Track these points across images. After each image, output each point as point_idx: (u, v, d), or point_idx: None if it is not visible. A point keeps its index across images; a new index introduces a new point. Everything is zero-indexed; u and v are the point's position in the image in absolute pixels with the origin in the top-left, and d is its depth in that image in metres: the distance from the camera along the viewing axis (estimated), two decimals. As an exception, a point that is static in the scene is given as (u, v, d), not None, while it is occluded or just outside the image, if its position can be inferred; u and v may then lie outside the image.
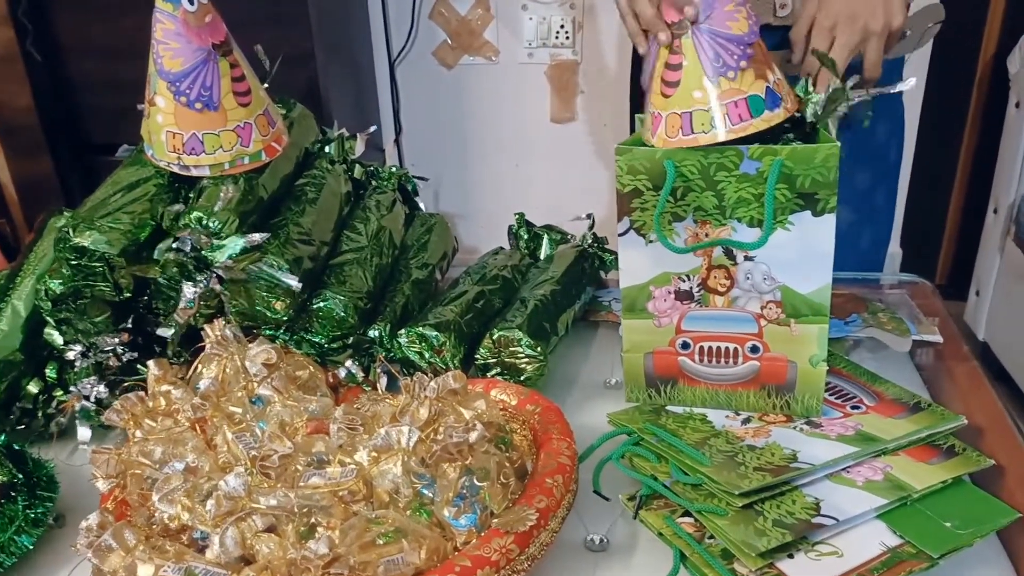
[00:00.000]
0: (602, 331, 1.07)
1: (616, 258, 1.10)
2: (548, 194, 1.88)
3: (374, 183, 1.11)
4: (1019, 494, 0.74)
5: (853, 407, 0.85)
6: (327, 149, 1.06)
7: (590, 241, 1.12)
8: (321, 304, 0.89)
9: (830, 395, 0.87)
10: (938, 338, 0.96)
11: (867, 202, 1.22)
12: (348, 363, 0.87)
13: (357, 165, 1.07)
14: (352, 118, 1.72)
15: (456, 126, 1.86)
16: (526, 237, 1.14)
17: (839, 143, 0.75)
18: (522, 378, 0.90)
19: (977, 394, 0.88)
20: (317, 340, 0.90)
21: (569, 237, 1.14)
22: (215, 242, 0.78)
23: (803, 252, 0.78)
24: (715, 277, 0.82)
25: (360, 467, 0.71)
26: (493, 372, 0.91)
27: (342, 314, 0.89)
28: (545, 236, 1.14)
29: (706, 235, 0.80)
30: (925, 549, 0.67)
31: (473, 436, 0.69)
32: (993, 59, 1.65)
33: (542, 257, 1.13)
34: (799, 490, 0.73)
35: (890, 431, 0.79)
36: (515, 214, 1.16)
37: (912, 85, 0.83)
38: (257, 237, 0.80)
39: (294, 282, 0.81)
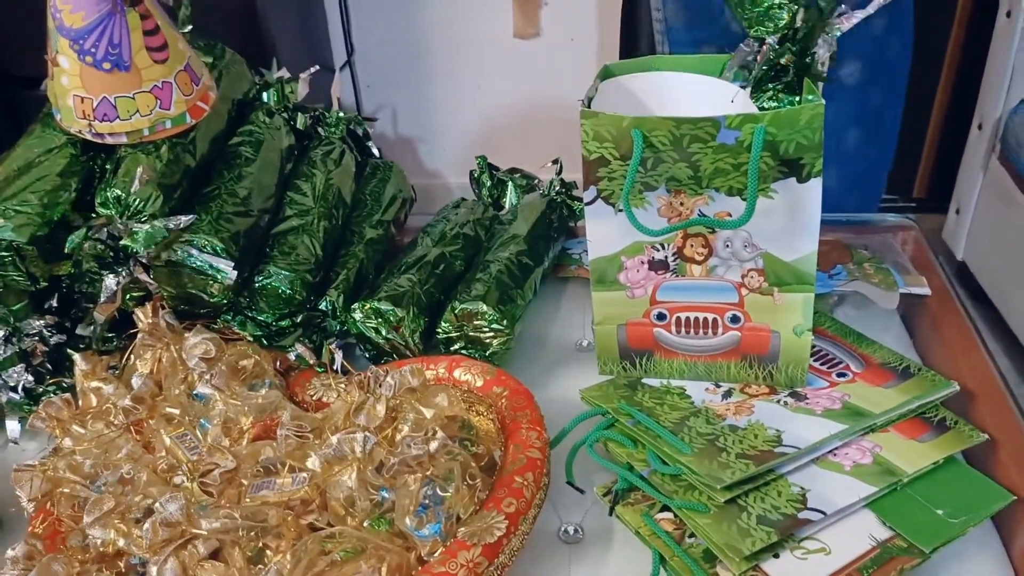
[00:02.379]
0: (572, 286, 1.01)
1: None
2: (512, 117, 1.78)
3: (320, 130, 1.01)
4: (1013, 470, 0.71)
5: (839, 374, 0.80)
6: (265, 97, 0.96)
7: (558, 188, 1.04)
8: (264, 281, 0.82)
9: (815, 360, 0.82)
10: (926, 290, 0.91)
11: (877, 121, 1.15)
12: (297, 346, 0.80)
13: (299, 113, 0.97)
14: (297, 40, 1.59)
15: (412, 45, 1.74)
16: (489, 184, 1.06)
17: (823, 100, 0.67)
18: (488, 353, 0.83)
19: (967, 356, 0.84)
20: (263, 319, 0.83)
21: (535, 183, 1.06)
22: (134, 228, 0.70)
23: (788, 220, 0.71)
24: (691, 246, 0.75)
25: (312, 474, 0.66)
26: (457, 346, 0.84)
27: (288, 291, 0.82)
28: (510, 182, 1.06)
29: (680, 204, 0.72)
30: (917, 543, 0.63)
31: (434, 446, 0.63)
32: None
33: (507, 207, 1.05)
34: (784, 478, 0.69)
35: (879, 402, 0.75)
36: (477, 158, 1.07)
37: None
38: (183, 220, 0.71)
39: (229, 269, 0.73)
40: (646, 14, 1.12)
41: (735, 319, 0.78)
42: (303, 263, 0.84)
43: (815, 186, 0.69)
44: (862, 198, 1.25)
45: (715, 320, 0.78)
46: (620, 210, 0.74)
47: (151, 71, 0.75)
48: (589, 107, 0.73)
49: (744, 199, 0.70)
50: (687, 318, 0.79)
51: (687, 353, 0.80)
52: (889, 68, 1.14)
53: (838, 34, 0.73)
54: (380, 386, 0.69)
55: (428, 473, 0.62)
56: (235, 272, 0.75)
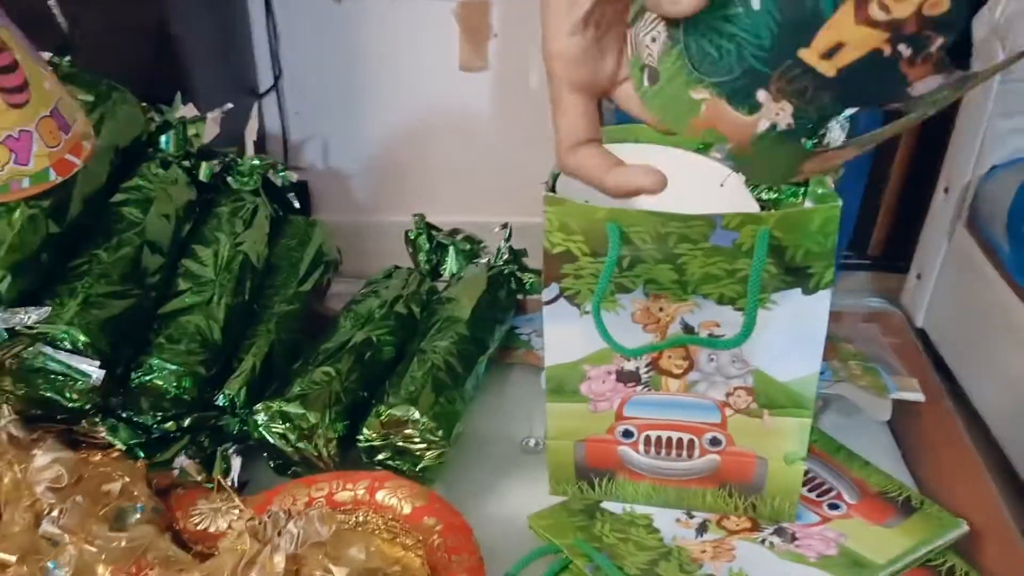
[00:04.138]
0: (518, 373, 0.87)
1: (538, 279, 0.90)
2: (455, 154, 1.64)
3: (230, 180, 0.86)
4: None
5: (831, 505, 0.69)
6: (163, 142, 0.80)
7: (506, 256, 0.90)
8: (144, 378, 0.66)
9: (803, 486, 0.70)
10: (919, 396, 0.81)
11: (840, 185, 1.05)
12: (181, 459, 0.65)
13: (204, 161, 0.82)
14: (217, 62, 1.43)
15: (347, 70, 1.58)
16: (427, 248, 0.92)
17: (839, 198, 0.55)
18: (419, 467, 0.69)
19: (967, 482, 0.73)
20: (142, 421, 0.67)
21: (481, 248, 0.93)
22: (-35, 325, 0.54)
23: (787, 335, 0.59)
24: (669, 357, 0.62)
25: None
26: (382, 456, 0.70)
27: (174, 389, 0.67)
28: (451, 247, 0.92)
29: (660, 310, 0.60)
30: None
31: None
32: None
33: (447, 274, 0.92)
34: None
35: (882, 548, 0.64)
36: (413, 216, 0.94)
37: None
38: (32, 314, 0.56)
39: (94, 370, 0.58)
40: None
41: (715, 441, 0.65)
42: (195, 353, 0.69)
43: (823, 298, 0.57)
44: None
45: (691, 441, 0.66)
46: (587, 312, 0.61)
47: (4, 117, 0.60)
48: (554, 189, 0.60)
49: (737, 308, 0.58)
50: (658, 437, 0.66)
51: (656, 476, 0.68)
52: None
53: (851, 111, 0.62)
54: (279, 534, 0.55)
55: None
56: (102, 372, 0.60)
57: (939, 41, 0.32)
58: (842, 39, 0.32)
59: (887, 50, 0.32)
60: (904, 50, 0.32)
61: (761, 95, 0.35)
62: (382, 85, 1.60)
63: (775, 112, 0.36)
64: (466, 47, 1.56)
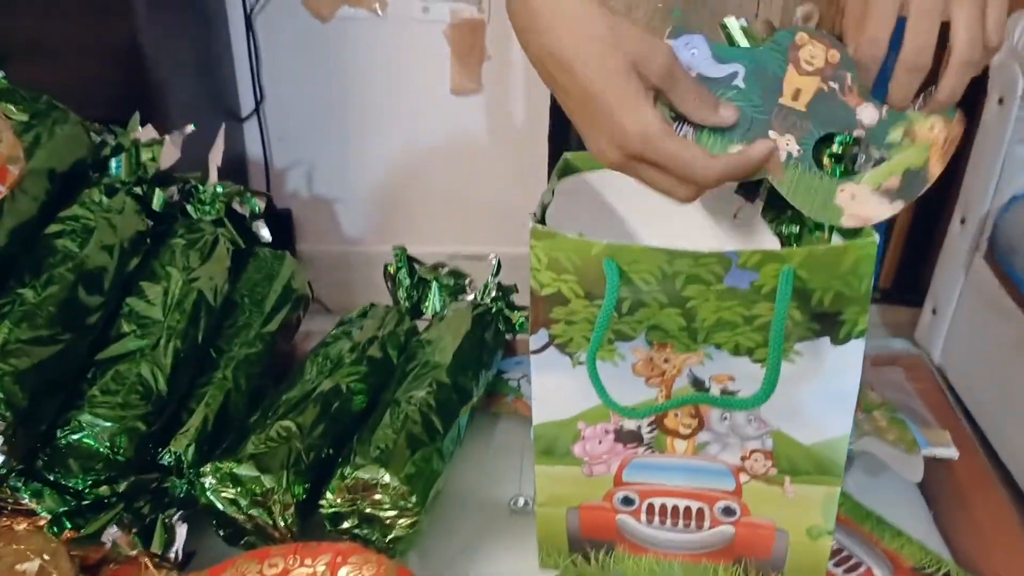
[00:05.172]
0: (506, 423, 0.79)
1: (528, 319, 0.82)
2: (446, 181, 1.57)
3: (190, 210, 0.78)
4: None
5: (860, 584, 0.60)
6: (113, 167, 0.72)
7: (493, 294, 0.82)
8: (72, 438, 0.58)
9: (829, 560, 0.61)
10: (953, 453, 0.72)
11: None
12: (112, 530, 0.56)
13: (158, 188, 0.74)
14: (194, 84, 1.36)
15: (333, 94, 1.51)
16: (408, 284, 0.84)
17: (876, 233, 0.48)
18: (388, 539, 0.61)
19: (1008, 550, 0.65)
20: (72, 485, 0.59)
21: (466, 284, 0.85)
22: None
23: (812, 391, 0.51)
24: (676, 415, 0.54)
25: None
26: (348, 524, 0.62)
27: (106, 450, 0.58)
28: (434, 282, 0.84)
29: (665, 360, 0.52)
30: None
31: None
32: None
33: (429, 312, 0.84)
34: None
35: (919, 637, 0.55)
36: (394, 249, 0.86)
37: None
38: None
39: None
40: None
41: (728, 511, 0.57)
42: (135, 406, 0.60)
43: (855, 349, 0.49)
44: None
45: (701, 510, 0.57)
46: (580, 363, 0.53)
47: (-91, 136, 0.52)
48: (543, 221, 0.53)
49: (755, 360, 0.50)
50: (663, 505, 0.58)
51: (661, 550, 0.59)
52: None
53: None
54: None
55: None
56: (13, 433, 0.51)
57: (848, 77, 0.50)
58: (797, 86, 0.50)
59: (825, 87, 0.50)
60: (833, 84, 0.50)
61: (772, 134, 0.50)
62: (369, 109, 1.53)
63: (784, 143, 0.50)
64: (458, 69, 1.49)
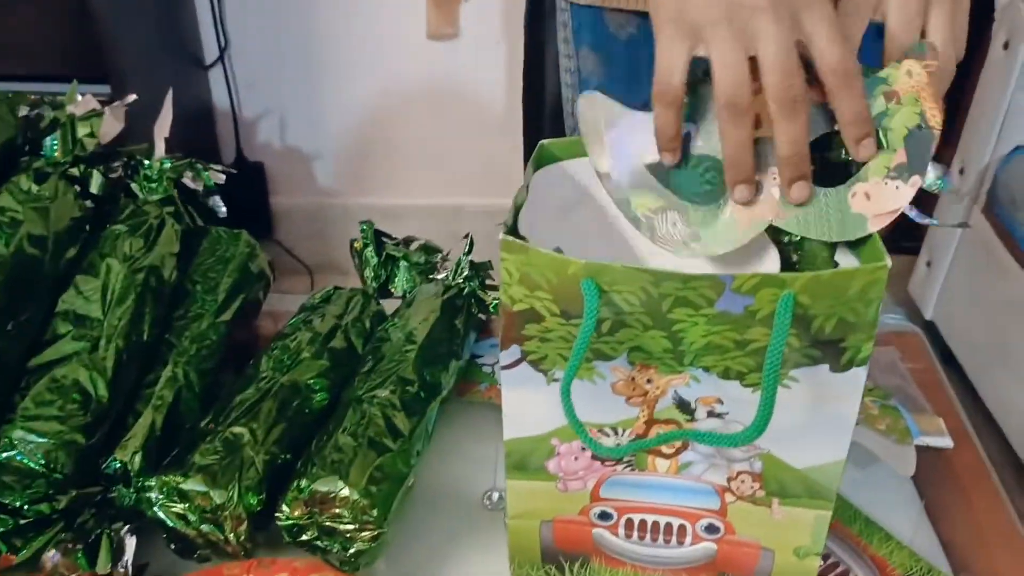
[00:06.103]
0: (480, 410, 0.75)
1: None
2: (424, 129, 1.49)
3: (135, 186, 0.72)
4: None
5: (848, 597, 0.57)
6: (47, 145, 0.66)
7: (466, 273, 0.77)
8: (3, 455, 0.53)
9: (813, 569, 0.58)
10: (947, 443, 0.69)
11: None
12: (51, 554, 0.52)
13: (96, 170, 0.67)
14: (151, 33, 1.27)
15: (302, 39, 1.42)
16: (375, 262, 0.78)
17: (888, 257, 0.43)
18: (350, 552, 0.57)
19: (1006, 546, 0.62)
20: (8, 503, 0.54)
21: (436, 261, 0.79)
22: None
23: (807, 417, 0.47)
24: (659, 434, 0.50)
25: None
26: (307, 536, 0.58)
27: (41, 468, 0.54)
28: (402, 261, 0.78)
29: (647, 381, 0.47)
30: None
31: None
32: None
33: (398, 292, 0.79)
34: None
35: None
36: (360, 225, 0.80)
37: None
38: None
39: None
40: (553, 49, 0.85)
41: (712, 528, 0.53)
42: (73, 416, 0.56)
43: (856, 377, 0.44)
44: None
45: (682, 527, 0.54)
46: (556, 380, 0.48)
47: None
48: (515, 227, 0.47)
49: (747, 385, 0.46)
50: (642, 520, 0.54)
51: (639, 563, 0.56)
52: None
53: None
54: None
55: None
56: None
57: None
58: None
59: None
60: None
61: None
62: (343, 55, 1.44)
63: (770, 179, 0.47)
64: (434, 12, 1.40)
